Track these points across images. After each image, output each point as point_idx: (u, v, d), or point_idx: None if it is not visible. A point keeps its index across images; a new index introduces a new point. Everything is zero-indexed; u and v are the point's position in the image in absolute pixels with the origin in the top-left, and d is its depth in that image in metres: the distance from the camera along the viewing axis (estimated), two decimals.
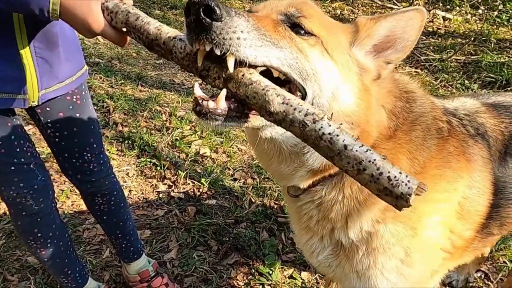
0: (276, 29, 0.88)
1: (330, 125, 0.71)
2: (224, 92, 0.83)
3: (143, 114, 3.50)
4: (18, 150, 1.38)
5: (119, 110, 3.52)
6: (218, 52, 0.78)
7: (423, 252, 1.11)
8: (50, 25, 1.29)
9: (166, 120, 3.45)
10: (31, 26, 1.24)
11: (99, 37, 1.13)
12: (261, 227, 2.43)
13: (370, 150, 0.69)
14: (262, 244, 2.29)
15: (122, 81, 4.05)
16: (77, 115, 1.50)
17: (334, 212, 1.08)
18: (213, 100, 0.83)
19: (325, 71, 0.92)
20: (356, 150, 0.69)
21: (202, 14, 0.75)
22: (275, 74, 0.87)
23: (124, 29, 0.97)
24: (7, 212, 2.46)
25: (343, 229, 1.10)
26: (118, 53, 4.68)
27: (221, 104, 0.83)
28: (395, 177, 0.66)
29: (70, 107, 1.48)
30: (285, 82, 0.90)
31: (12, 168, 1.39)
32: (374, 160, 0.68)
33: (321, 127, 0.71)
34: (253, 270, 2.16)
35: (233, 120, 0.85)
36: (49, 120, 1.48)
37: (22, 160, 1.40)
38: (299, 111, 0.74)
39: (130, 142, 3.13)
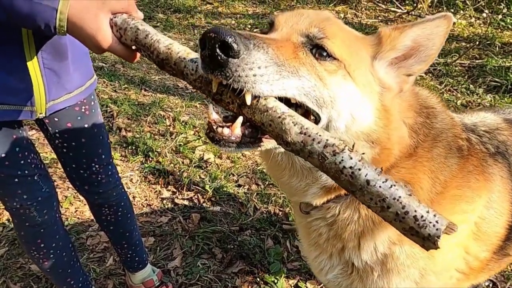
0: (296, 54, 0.86)
1: (351, 158, 0.67)
2: (240, 120, 0.81)
3: (146, 119, 3.48)
4: (22, 162, 1.37)
5: (122, 115, 3.51)
6: (235, 86, 0.77)
7: (438, 274, 1.08)
8: (59, 36, 1.27)
9: (169, 125, 3.44)
10: (40, 38, 1.22)
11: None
12: (266, 234, 2.41)
13: (395, 185, 0.65)
14: (267, 252, 2.27)
15: (126, 85, 4.04)
16: (86, 125, 1.48)
17: (348, 232, 1.05)
18: (228, 127, 0.81)
19: (345, 96, 0.89)
20: (380, 186, 0.65)
21: (218, 51, 0.72)
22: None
23: (134, 47, 0.94)
24: (10, 219, 2.45)
25: (355, 249, 1.07)
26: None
27: (236, 131, 0.81)
28: (422, 216, 0.62)
29: (79, 117, 1.46)
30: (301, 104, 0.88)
31: (16, 180, 1.37)
32: (399, 197, 0.63)
33: (342, 160, 0.67)
34: (258, 279, 2.14)
35: (246, 145, 0.84)
36: (57, 131, 1.46)
37: (26, 172, 1.38)
38: (318, 142, 0.70)
39: (133, 147, 3.11)
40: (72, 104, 1.41)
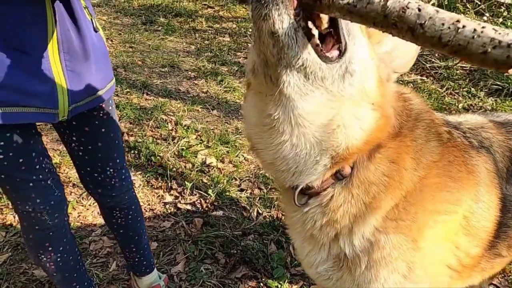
0: None
1: None
2: None
3: (149, 123, 3.49)
4: (37, 167, 1.37)
5: (125, 119, 3.51)
6: None
7: (427, 268, 1.07)
8: (81, 38, 1.28)
9: (172, 129, 3.44)
10: (63, 40, 1.23)
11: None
12: (269, 239, 2.41)
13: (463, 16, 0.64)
14: (270, 256, 2.27)
15: (128, 89, 4.05)
16: (103, 130, 1.49)
17: (341, 214, 1.03)
18: None
19: (362, 44, 0.90)
20: (449, 13, 0.62)
21: None
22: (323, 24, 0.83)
23: None
24: (14, 224, 2.45)
25: (348, 236, 1.05)
26: (123, 61, 4.69)
27: None
28: (499, 28, 0.59)
29: (96, 122, 1.46)
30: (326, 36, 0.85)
31: (31, 184, 1.38)
32: (468, 19, 0.62)
33: None
34: (262, 284, 2.14)
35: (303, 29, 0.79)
36: (74, 134, 1.47)
37: (41, 176, 1.39)
38: None
39: (136, 152, 3.12)
40: (94, 106, 1.41)
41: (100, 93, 1.40)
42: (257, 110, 0.95)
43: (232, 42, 5.44)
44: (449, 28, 0.61)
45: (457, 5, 5.98)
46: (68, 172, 2.89)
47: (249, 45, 5.32)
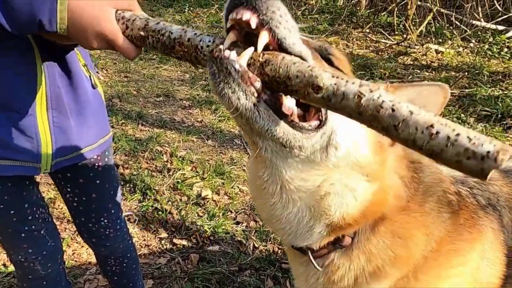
0: (312, 50, 0.86)
1: (387, 95, 0.64)
2: (250, 50, 0.74)
3: (144, 155, 3.50)
4: (30, 218, 1.38)
5: (120, 152, 3.53)
6: (254, 22, 0.71)
7: None
8: (74, 95, 1.29)
9: (167, 161, 3.46)
10: (53, 97, 1.24)
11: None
12: (266, 274, 2.39)
13: (438, 118, 0.61)
14: None
15: (123, 120, 4.08)
16: (97, 181, 1.48)
17: (339, 276, 1.03)
18: (236, 52, 0.74)
19: None
20: (424, 114, 0.60)
21: None
22: None
23: (142, 33, 0.90)
24: (7, 264, 2.42)
25: None
26: (118, 91, 4.74)
27: (242, 60, 0.73)
28: (474, 136, 0.57)
29: (91, 174, 1.46)
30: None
31: (23, 235, 1.38)
32: (446, 123, 0.59)
33: (380, 95, 0.63)
34: None
35: (265, 102, 0.76)
36: (68, 185, 1.47)
37: (33, 227, 1.39)
38: (352, 83, 0.66)
39: (131, 185, 3.12)
40: (83, 161, 1.40)
41: (89, 148, 1.39)
42: (253, 169, 0.98)
43: None
44: (422, 133, 0.60)
45: (444, 31, 6.18)
46: (63, 207, 2.87)
47: None
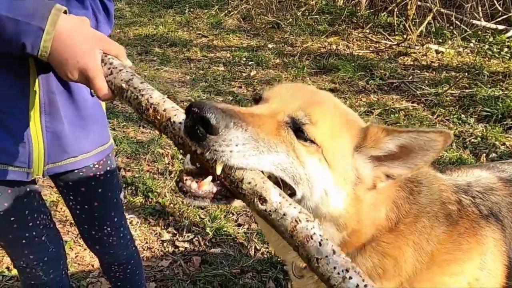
0: (278, 132, 0.92)
1: (320, 229, 0.74)
2: (209, 178, 0.87)
3: (145, 157, 3.52)
4: (30, 224, 1.39)
5: (122, 154, 3.54)
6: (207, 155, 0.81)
7: None
8: (71, 102, 1.28)
9: (168, 163, 3.47)
10: (46, 102, 1.23)
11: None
12: (267, 276, 2.41)
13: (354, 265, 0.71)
14: None
15: (124, 123, 4.09)
16: (100, 190, 1.48)
17: None
18: (197, 182, 0.87)
19: (319, 178, 0.94)
20: (344, 258, 0.70)
21: (198, 125, 0.79)
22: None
23: (124, 85, 0.94)
24: (10, 267, 2.44)
25: None
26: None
27: (204, 187, 0.86)
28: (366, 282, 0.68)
29: (93, 182, 1.45)
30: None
31: (24, 241, 1.39)
32: (359, 272, 0.69)
33: (313, 227, 0.73)
34: None
35: (218, 201, 0.89)
36: (71, 193, 1.48)
37: (34, 233, 1.40)
38: (294, 207, 0.77)
39: (133, 188, 3.13)
40: (80, 168, 1.39)
41: (84, 156, 1.37)
42: None
43: (227, 71, 5.54)
44: (338, 274, 0.68)
45: (444, 31, 6.18)
46: (65, 211, 2.89)
47: (243, 74, 5.43)
